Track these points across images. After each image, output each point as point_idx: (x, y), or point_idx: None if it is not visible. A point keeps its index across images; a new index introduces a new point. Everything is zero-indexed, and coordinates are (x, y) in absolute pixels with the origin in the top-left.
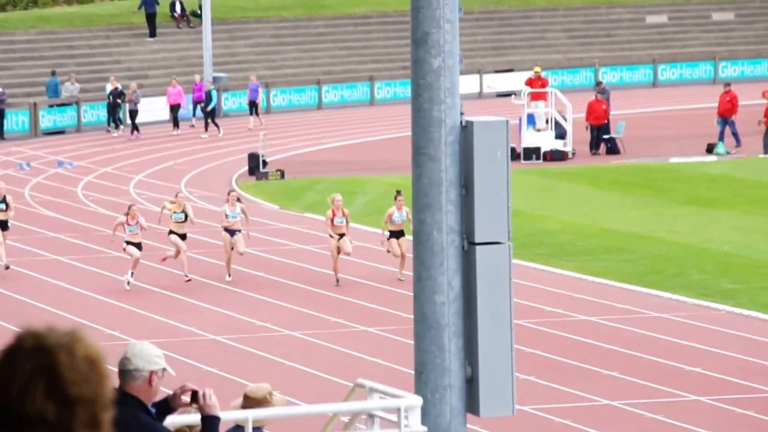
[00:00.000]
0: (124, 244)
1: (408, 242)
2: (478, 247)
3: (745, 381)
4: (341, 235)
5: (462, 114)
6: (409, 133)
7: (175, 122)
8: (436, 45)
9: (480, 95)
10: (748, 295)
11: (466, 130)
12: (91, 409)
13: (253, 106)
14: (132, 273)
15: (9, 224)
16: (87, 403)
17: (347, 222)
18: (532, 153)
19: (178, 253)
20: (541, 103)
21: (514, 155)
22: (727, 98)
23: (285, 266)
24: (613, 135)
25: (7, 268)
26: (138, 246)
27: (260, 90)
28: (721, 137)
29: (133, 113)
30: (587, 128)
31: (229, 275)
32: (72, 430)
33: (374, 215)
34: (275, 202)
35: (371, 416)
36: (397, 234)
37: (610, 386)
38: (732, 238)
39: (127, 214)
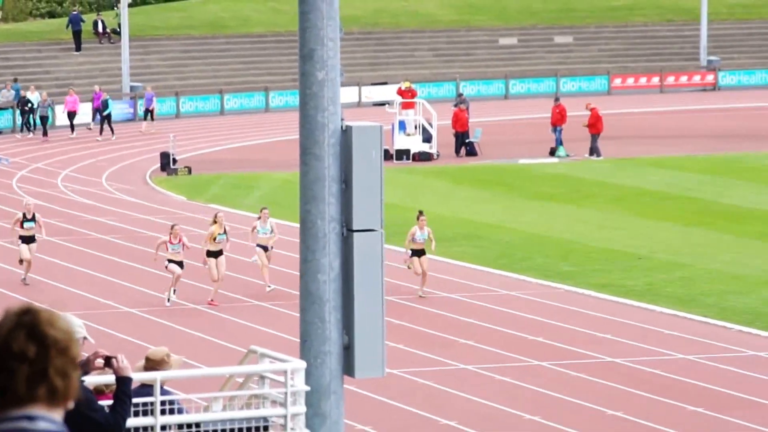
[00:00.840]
0: (166, 262)
1: (429, 261)
2: (355, 234)
3: (580, 348)
4: (422, 251)
5: (342, 120)
6: (298, 136)
7: (72, 127)
8: (321, 60)
9: (358, 104)
10: (583, 276)
11: (346, 133)
12: (64, 360)
13: (148, 112)
14: (174, 290)
15: (36, 238)
16: (60, 351)
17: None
18: (402, 154)
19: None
20: (410, 111)
21: (387, 156)
22: (557, 110)
23: (191, 250)
24: (471, 139)
25: (23, 279)
26: (180, 264)
27: (154, 99)
28: (560, 142)
29: (44, 119)
30: (454, 134)
31: (269, 286)
32: (47, 371)
33: (270, 206)
34: (183, 194)
35: (262, 377)
36: (418, 253)
37: (467, 353)
38: (570, 228)
39: (169, 233)
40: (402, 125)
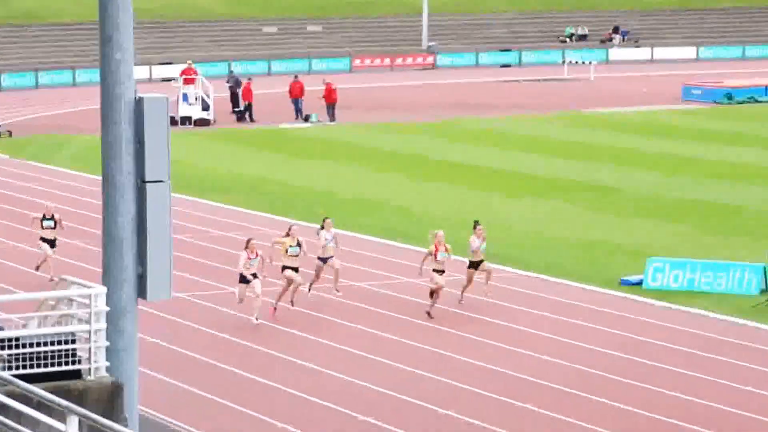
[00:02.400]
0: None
1: (489, 267)
2: (147, 184)
3: (329, 275)
4: (443, 272)
5: (136, 92)
6: (100, 106)
7: None
8: (118, 44)
9: (149, 80)
10: (336, 220)
11: (139, 103)
12: None
13: None
14: (257, 314)
15: (56, 242)
16: None
17: (449, 256)
18: (185, 120)
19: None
20: (191, 86)
21: (173, 122)
22: (297, 86)
23: (6, 196)
24: (241, 108)
25: (51, 280)
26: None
27: None
28: (299, 113)
29: None
30: (246, 104)
31: (338, 291)
32: None
33: (78, 162)
34: (6, 153)
35: (71, 300)
36: (476, 264)
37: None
38: (322, 181)
39: (246, 248)
40: (185, 97)
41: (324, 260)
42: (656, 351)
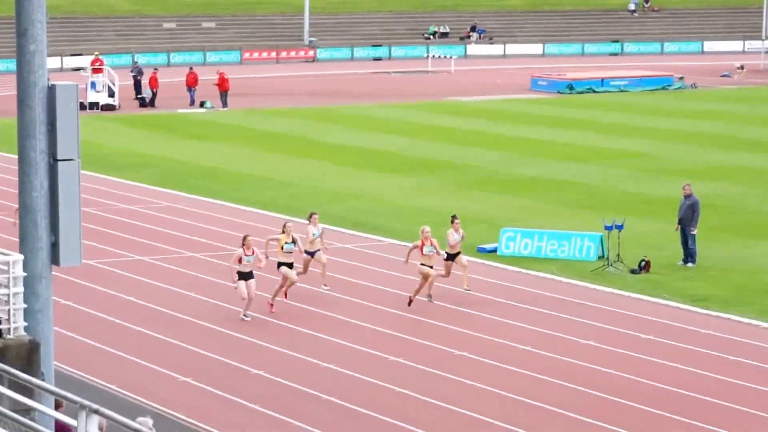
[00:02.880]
0: (235, 276)
1: (465, 259)
2: (59, 162)
3: (217, 243)
4: (430, 267)
5: (48, 80)
6: (16, 92)
7: None
8: (32, 36)
9: (61, 69)
10: (223, 194)
11: (51, 90)
12: None
13: None
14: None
15: None
16: None
17: (437, 251)
18: (93, 105)
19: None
20: (99, 75)
21: (82, 107)
22: (192, 76)
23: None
24: (144, 95)
25: None
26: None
27: None
28: (192, 100)
29: None
30: (153, 92)
31: (325, 285)
32: None
33: None
34: None
35: None
36: (453, 256)
37: (143, 248)
38: (214, 158)
39: (242, 245)
40: (93, 85)
41: (311, 254)
42: (508, 310)
